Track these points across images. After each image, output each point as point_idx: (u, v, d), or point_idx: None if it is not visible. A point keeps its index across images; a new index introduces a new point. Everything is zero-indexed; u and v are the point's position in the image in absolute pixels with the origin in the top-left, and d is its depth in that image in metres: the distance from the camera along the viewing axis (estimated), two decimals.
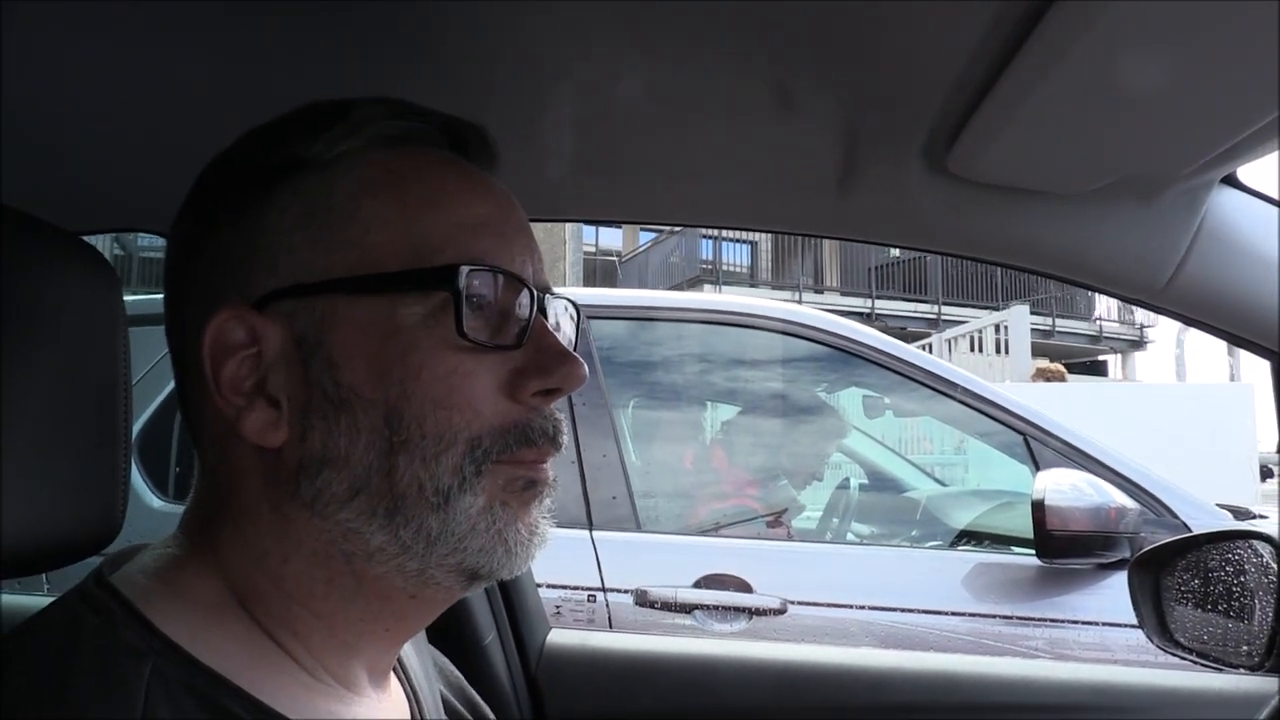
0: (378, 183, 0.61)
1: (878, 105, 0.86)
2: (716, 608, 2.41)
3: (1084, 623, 2.33)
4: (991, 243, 1.02)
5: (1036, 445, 2.58)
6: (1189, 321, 1.03)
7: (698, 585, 2.44)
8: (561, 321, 0.68)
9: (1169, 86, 0.75)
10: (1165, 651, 1.27)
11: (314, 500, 0.58)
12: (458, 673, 0.85)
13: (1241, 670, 1.19)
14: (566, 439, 0.64)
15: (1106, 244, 0.98)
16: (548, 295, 0.65)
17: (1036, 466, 2.52)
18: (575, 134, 0.94)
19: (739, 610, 2.41)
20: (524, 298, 0.62)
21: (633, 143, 0.96)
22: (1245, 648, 1.19)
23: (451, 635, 0.68)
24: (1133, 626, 1.63)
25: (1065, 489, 2.34)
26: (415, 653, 0.76)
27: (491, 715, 0.84)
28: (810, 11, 0.73)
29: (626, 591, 2.41)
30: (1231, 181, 0.95)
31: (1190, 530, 2.32)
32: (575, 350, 0.69)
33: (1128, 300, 1.03)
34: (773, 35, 0.77)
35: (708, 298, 3.72)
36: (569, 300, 0.70)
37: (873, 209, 1.01)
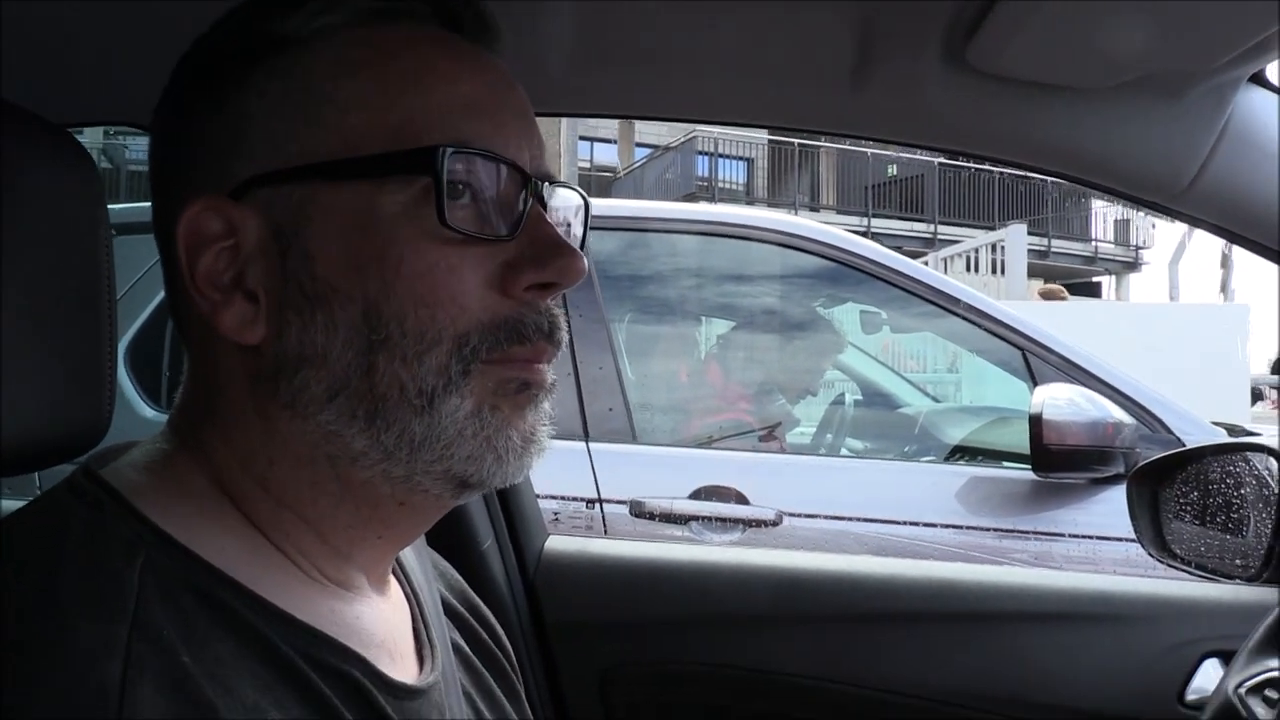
0: (357, 61, 0.57)
1: None
2: (712, 519, 2.42)
3: (1080, 536, 2.35)
4: (1009, 141, 0.98)
5: (1034, 361, 2.57)
6: (1208, 226, 1.00)
7: (694, 497, 2.45)
8: (567, 217, 0.65)
9: None
10: (1162, 563, 1.27)
11: (293, 401, 0.56)
12: (458, 575, 0.84)
13: (1238, 581, 1.20)
14: (565, 337, 0.60)
15: (1128, 143, 0.94)
16: (549, 184, 0.61)
17: (1034, 382, 2.52)
18: (575, 22, 0.90)
19: (734, 521, 2.43)
20: (518, 185, 0.58)
21: (635, 31, 0.92)
22: (1241, 560, 1.19)
23: (449, 539, 0.67)
24: (1127, 540, 1.64)
25: (1062, 403, 2.33)
26: (415, 554, 0.75)
27: (491, 617, 0.83)
28: None
29: (622, 502, 2.41)
30: (1259, 80, 0.92)
31: (1185, 445, 2.32)
32: (584, 245, 0.65)
33: (1146, 204, 1.00)
34: None
35: (705, 209, 3.67)
36: (579, 193, 0.66)
37: (887, 104, 0.97)
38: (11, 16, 0.86)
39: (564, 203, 0.65)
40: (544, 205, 0.61)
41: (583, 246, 0.65)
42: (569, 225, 0.65)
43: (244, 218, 0.56)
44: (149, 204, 0.64)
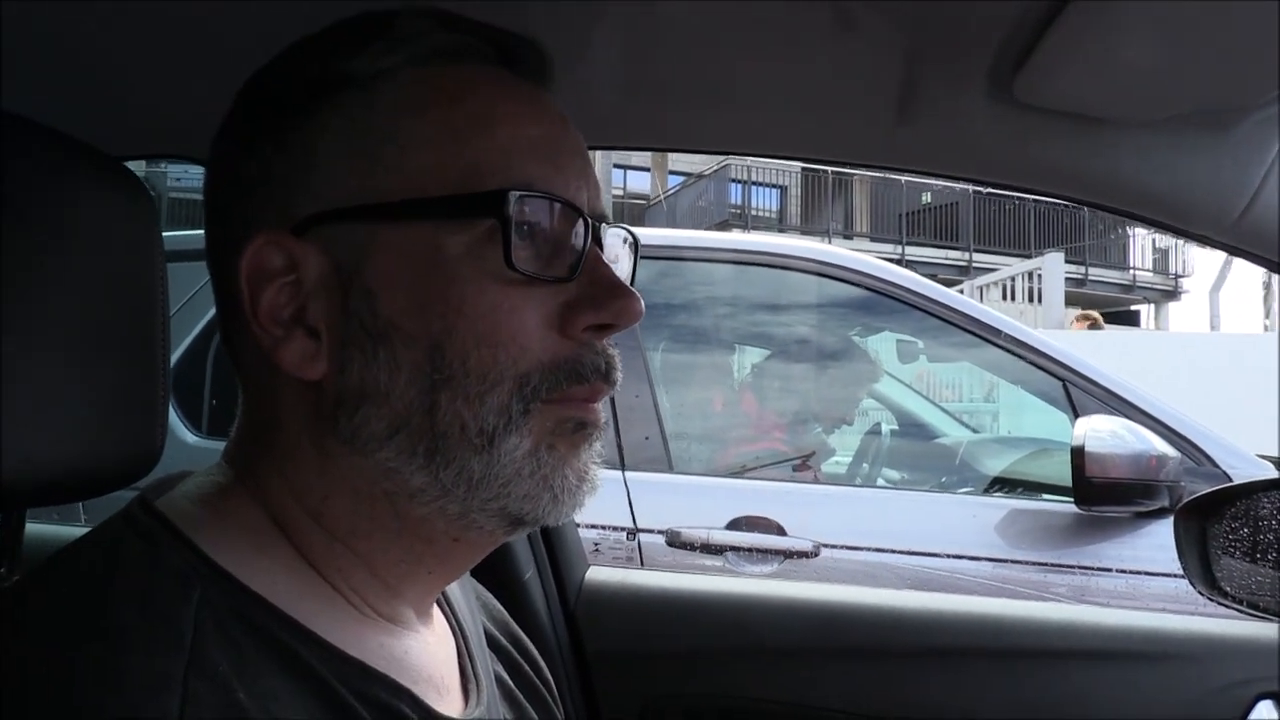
0: (422, 101, 0.58)
1: (941, 25, 0.82)
2: (748, 549, 2.40)
3: (1125, 571, 2.31)
4: (1056, 175, 0.97)
5: (1075, 391, 2.54)
6: (1257, 259, 0.99)
7: (730, 527, 2.43)
8: (619, 254, 0.65)
9: (1249, 9, 0.71)
10: (1212, 601, 1.24)
11: (353, 437, 0.56)
12: (501, 607, 0.84)
13: None
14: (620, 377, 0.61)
15: (1176, 176, 0.93)
16: (604, 225, 0.62)
17: (1075, 413, 2.48)
18: (621, 56, 0.91)
19: (771, 552, 2.41)
20: (579, 226, 0.58)
21: (681, 65, 0.92)
22: None
23: (492, 571, 0.67)
24: (1174, 576, 1.61)
25: (1105, 435, 2.30)
26: (459, 587, 0.76)
27: (534, 649, 0.83)
28: None
29: (659, 532, 2.40)
30: None
31: (1231, 479, 2.28)
32: (633, 281, 0.66)
33: (1194, 237, 0.99)
34: None
35: (741, 238, 3.67)
36: (628, 231, 0.66)
37: (933, 137, 0.97)
38: (68, 50, 0.88)
39: (616, 240, 0.65)
40: (601, 246, 0.61)
41: (631, 283, 0.66)
42: (616, 258, 0.65)
43: (306, 253, 0.57)
44: (192, 231, 0.65)
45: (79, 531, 0.64)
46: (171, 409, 2.71)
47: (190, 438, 2.59)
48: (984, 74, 0.86)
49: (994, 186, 1.02)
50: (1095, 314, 7.63)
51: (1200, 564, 1.25)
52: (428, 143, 0.56)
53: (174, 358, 2.58)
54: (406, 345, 0.55)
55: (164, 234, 0.73)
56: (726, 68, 0.92)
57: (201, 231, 0.64)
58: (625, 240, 0.66)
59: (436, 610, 0.69)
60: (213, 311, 0.65)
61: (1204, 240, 0.99)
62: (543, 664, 0.83)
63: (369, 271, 0.56)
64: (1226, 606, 1.21)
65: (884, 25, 0.83)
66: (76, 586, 0.52)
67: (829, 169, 16.66)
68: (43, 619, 0.50)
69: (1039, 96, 0.86)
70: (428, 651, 0.63)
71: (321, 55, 0.59)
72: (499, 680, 0.74)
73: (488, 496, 0.56)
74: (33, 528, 0.87)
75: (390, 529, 0.58)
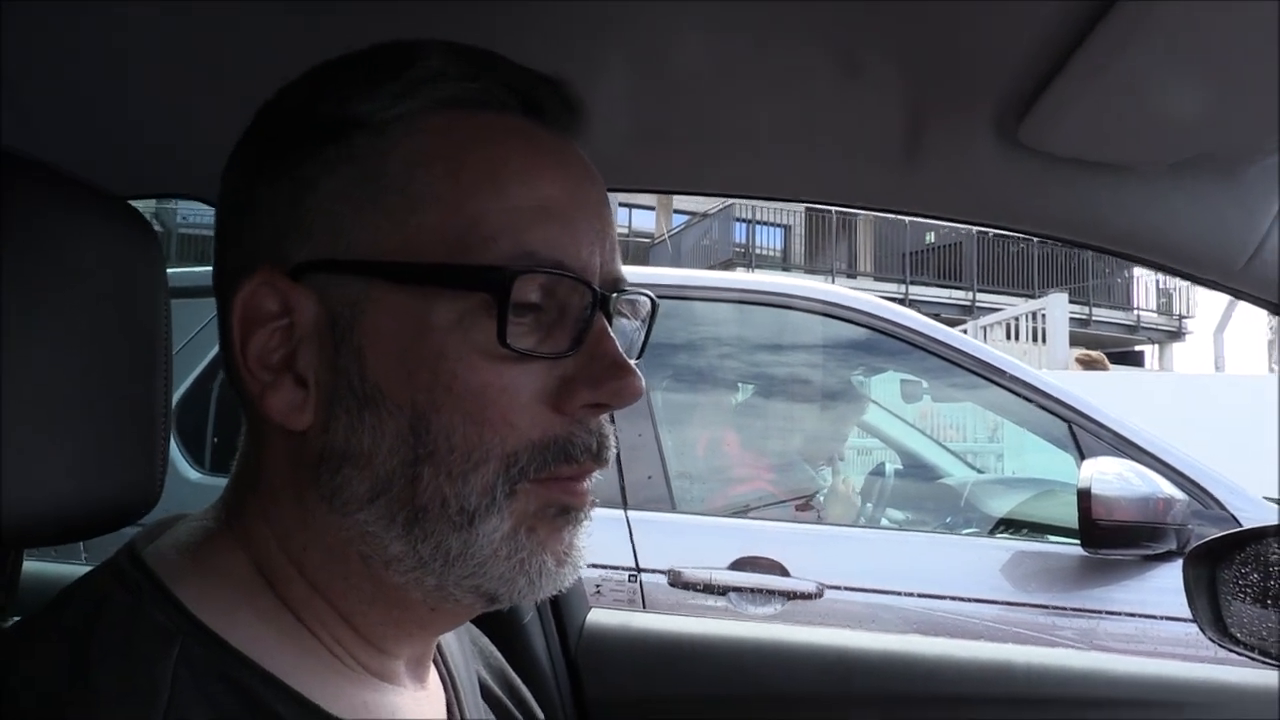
0: (432, 153, 0.55)
1: (947, 73, 0.82)
2: (751, 590, 2.38)
3: (1133, 615, 2.28)
4: (1062, 219, 0.97)
5: (1081, 433, 2.53)
6: (1265, 304, 0.99)
7: (733, 567, 2.41)
8: (630, 314, 0.63)
9: (1257, 57, 0.71)
10: (1221, 647, 1.23)
11: (334, 495, 0.54)
12: (498, 654, 0.83)
13: None
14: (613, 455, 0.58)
15: (1183, 222, 0.93)
16: (615, 293, 0.59)
17: (1081, 455, 2.47)
18: (628, 102, 0.91)
19: (774, 593, 2.39)
20: (584, 298, 0.55)
21: (690, 112, 0.93)
22: None
23: (490, 614, 0.66)
24: (1184, 620, 1.59)
25: (1112, 478, 2.29)
26: (454, 634, 0.74)
27: (531, 698, 0.82)
28: None
29: (661, 572, 2.38)
30: None
31: (1239, 524, 2.26)
32: (645, 346, 0.64)
33: (1201, 282, 0.99)
34: None
35: (745, 277, 3.69)
36: (649, 297, 0.64)
37: (940, 182, 0.97)
38: (74, 91, 0.88)
39: (629, 304, 0.63)
40: (609, 316, 0.58)
41: (644, 350, 0.64)
42: (626, 323, 0.63)
43: (301, 299, 0.55)
44: (201, 268, 0.65)
45: (78, 570, 0.64)
46: (175, 445, 2.71)
47: (193, 474, 2.58)
48: (990, 121, 0.86)
49: (1001, 230, 1.02)
50: (1095, 354, 7.60)
51: (1210, 609, 1.24)
52: (434, 200, 0.54)
53: (179, 393, 2.59)
54: (392, 414, 0.53)
55: (173, 271, 0.72)
56: (734, 113, 0.92)
57: (208, 268, 0.63)
58: (637, 304, 0.63)
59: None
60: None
61: (1211, 285, 0.99)
62: (539, 714, 0.81)
63: (361, 329, 0.54)
64: (1236, 653, 1.19)
65: (890, 72, 0.83)
66: (61, 641, 0.51)
67: (833, 208, 16.74)
68: (26, 673, 0.49)
69: (1045, 142, 0.86)
70: (416, 708, 0.61)
71: (334, 92, 0.57)
72: None
73: (463, 574, 0.54)
74: (30, 566, 0.86)
75: (366, 591, 0.56)
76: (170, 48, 0.84)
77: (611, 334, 0.57)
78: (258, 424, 0.58)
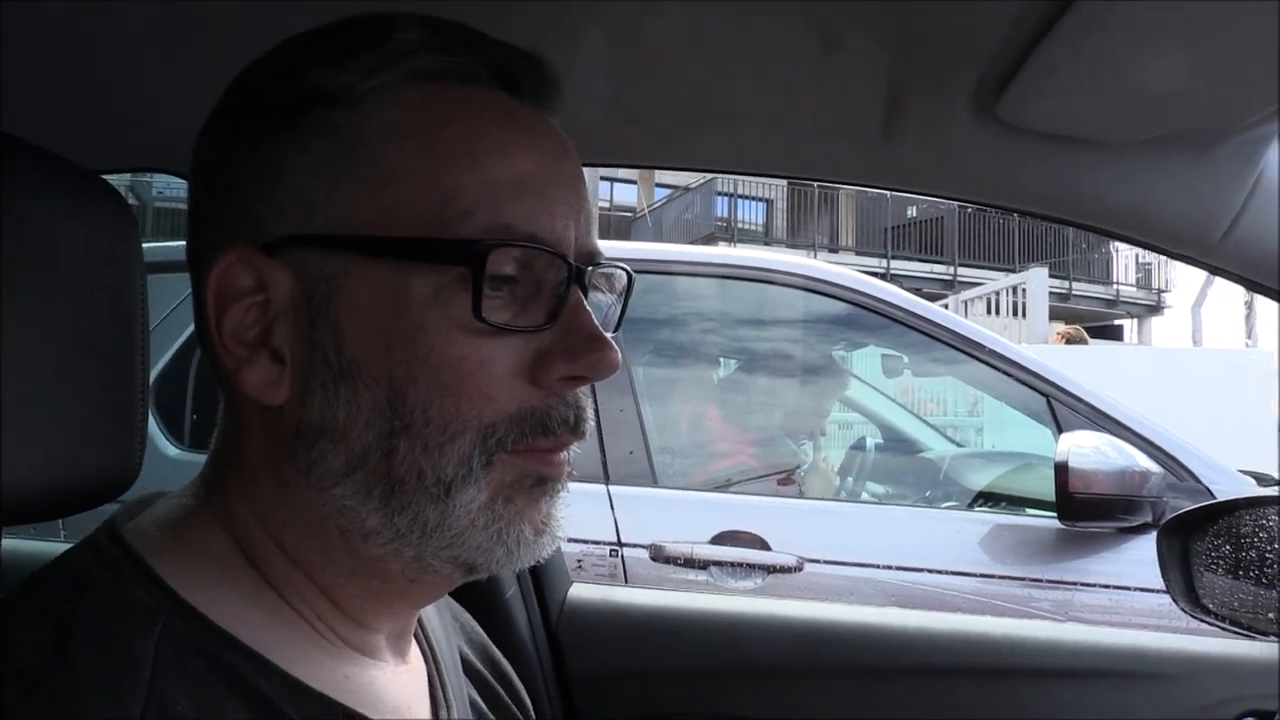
0: (407, 126, 0.54)
1: (925, 48, 0.83)
2: (732, 564, 2.40)
3: (1108, 586, 2.31)
4: (1040, 195, 0.98)
5: (1059, 407, 2.55)
6: (1238, 279, 1.00)
7: (715, 541, 2.43)
8: (606, 288, 0.63)
9: (1233, 34, 0.71)
10: (1194, 618, 1.24)
11: (310, 470, 0.54)
12: (479, 629, 0.83)
13: (1273, 638, 1.17)
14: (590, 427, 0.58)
15: (1159, 198, 0.94)
16: (591, 268, 0.59)
17: (1059, 429, 2.49)
18: (607, 77, 0.90)
19: (755, 567, 2.40)
20: (560, 272, 0.55)
21: (668, 86, 0.92)
22: (1276, 615, 1.17)
23: (472, 589, 0.66)
24: (1158, 591, 1.61)
25: (1089, 451, 2.31)
26: (435, 608, 0.74)
27: (512, 672, 0.82)
28: None
29: (643, 546, 2.40)
30: None
31: (1214, 496, 2.29)
32: (622, 320, 0.64)
33: (1177, 256, 1.00)
34: None
35: (727, 252, 3.67)
36: (625, 270, 0.64)
37: (918, 158, 0.97)
38: (47, 64, 0.87)
39: (605, 278, 0.63)
40: (585, 290, 0.58)
41: (620, 324, 0.64)
42: (601, 296, 0.63)
43: (276, 274, 0.55)
44: (176, 243, 0.64)
45: (57, 547, 0.63)
46: (153, 421, 2.70)
47: (172, 450, 2.57)
48: (968, 96, 0.86)
49: (979, 205, 1.02)
50: (1075, 329, 7.65)
51: (1183, 580, 1.25)
52: (408, 174, 0.54)
53: (157, 369, 2.57)
54: (368, 387, 0.53)
55: (149, 245, 0.72)
56: (712, 87, 0.92)
57: (184, 243, 0.62)
58: (613, 277, 0.64)
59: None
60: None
61: (1187, 260, 1.00)
62: (521, 689, 0.82)
63: (337, 304, 0.54)
64: (1208, 623, 1.21)
65: (869, 47, 0.83)
66: (43, 621, 0.50)
67: (814, 183, 16.74)
68: (7, 654, 0.49)
69: (1023, 118, 0.87)
70: (397, 682, 0.62)
71: (309, 64, 0.56)
72: (473, 706, 0.73)
73: (441, 545, 0.54)
74: (9, 543, 0.86)
75: (345, 565, 0.57)
76: (143, 19, 0.82)
77: (587, 307, 0.57)
78: (234, 400, 0.58)
